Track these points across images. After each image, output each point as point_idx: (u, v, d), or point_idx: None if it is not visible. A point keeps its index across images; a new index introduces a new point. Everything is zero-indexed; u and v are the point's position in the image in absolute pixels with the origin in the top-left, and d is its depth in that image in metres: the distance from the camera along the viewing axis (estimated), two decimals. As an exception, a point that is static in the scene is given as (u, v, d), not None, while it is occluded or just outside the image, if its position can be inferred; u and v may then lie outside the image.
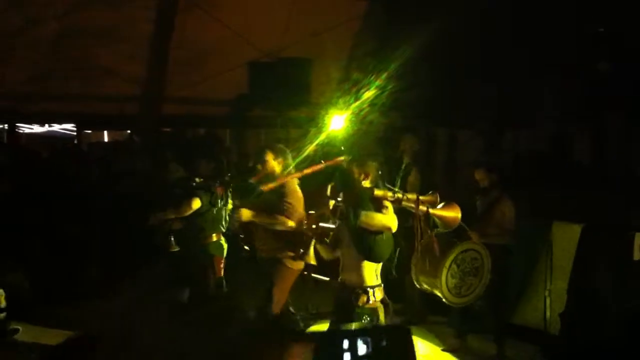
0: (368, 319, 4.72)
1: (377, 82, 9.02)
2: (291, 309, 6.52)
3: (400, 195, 4.81)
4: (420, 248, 6.04)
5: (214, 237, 6.74)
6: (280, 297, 5.94)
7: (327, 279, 7.66)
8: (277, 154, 6.08)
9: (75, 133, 11.08)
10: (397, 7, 10.67)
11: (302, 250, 5.21)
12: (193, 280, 6.76)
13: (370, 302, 4.74)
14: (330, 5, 10.55)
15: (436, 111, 9.50)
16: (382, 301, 4.85)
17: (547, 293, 7.02)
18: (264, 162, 6.05)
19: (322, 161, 5.96)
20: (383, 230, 4.66)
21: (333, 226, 5.20)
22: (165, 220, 6.79)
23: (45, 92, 9.92)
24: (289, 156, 6.17)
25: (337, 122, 8.07)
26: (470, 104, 9.14)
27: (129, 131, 11.48)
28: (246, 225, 6.05)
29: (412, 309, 7.64)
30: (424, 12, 9.41)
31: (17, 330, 7.07)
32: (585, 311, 6.52)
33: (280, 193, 5.86)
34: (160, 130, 11.01)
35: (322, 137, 7.97)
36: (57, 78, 9.88)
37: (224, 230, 6.81)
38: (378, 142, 9.45)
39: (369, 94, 8.93)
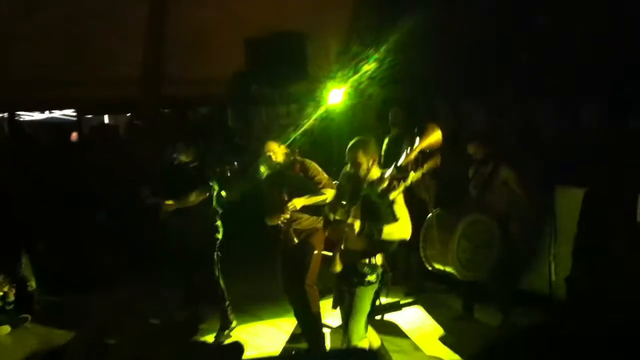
0: (369, 270, 4.84)
1: (376, 55, 8.93)
2: None
3: (408, 184, 4.82)
4: (424, 231, 6.11)
5: (218, 220, 6.80)
6: (316, 264, 6.03)
7: (331, 253, 7.63)
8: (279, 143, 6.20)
9: (75, 118, 11.06)
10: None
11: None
12: (203, 262, 6.80)
13: (372, 262, 4.85)
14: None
15: (437, 82, 9.40)
16: (382, 266, 4.94)
17: (551, 258, 6.99)
18: (273, 152, 6.13)
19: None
20: (401, 240, 4.81)
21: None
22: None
23: (45, 79, 9.89)
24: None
25: (336, 96, 8.01)
26: (473, 74, 9.01)
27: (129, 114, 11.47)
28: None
29: (408, 278, 7.66)
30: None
31: (26, 319, 7.14)
32: (591, 275, 6.47)
33: (307, 174, 6.04)
34: (161, 112, 10.97)
35: (320, 111, 7.93)
36: (56, 64, 9.86)
37: (219, 212, 6.86)
38: (377, 117, 9.38)
39: (368, 67, 8.84)
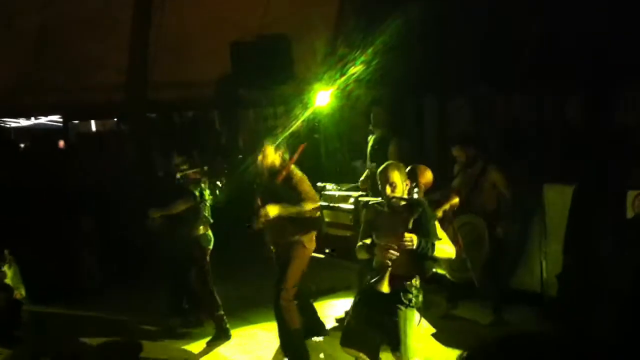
0: (416, 292, 4.69)
1: (363, 57, 8.94)
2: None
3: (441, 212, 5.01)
4: None
5: (202, 230, 6.72)
6: (296, 276, 5.91)
7: (323, 256, 7.65)
8: (278, 146, 6.00)
9: (62, 124, 10.97)
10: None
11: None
12: (187, 272, 6.78)
13: (414, 282, 4.71)
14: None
15: (424, 81, 9.40)
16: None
17: (542, 256, 7.00)
18: (264, 156, 5.97)
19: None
20: (448, 260, 4.76)
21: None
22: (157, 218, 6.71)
23: (29, 85, 9.83)
24: (285, 149, 6.08)
25: (323, 98, 8.02)
26: (459, 72, 9.03)
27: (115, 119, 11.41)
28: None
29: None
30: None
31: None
32: (582, 272, 6.49)
33: (292, 184, 5.86)
34: (147, 117, 10.92)
35: (308, 112, 7.93)
36: (42, 71, 9.80)
37: (211, 222, 6.81)
38: (365, 118, 9.37)
39: (355, 69, 8.85)
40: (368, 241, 4.73)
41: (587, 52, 7.73)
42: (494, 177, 6.65)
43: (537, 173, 7.45)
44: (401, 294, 4.64)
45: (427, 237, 4.54)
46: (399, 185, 4.70)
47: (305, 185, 5.91)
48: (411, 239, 4.45)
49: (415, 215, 4.56)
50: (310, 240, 6.00)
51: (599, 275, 6.30)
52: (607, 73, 7.67)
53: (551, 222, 6.93)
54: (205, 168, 6.86)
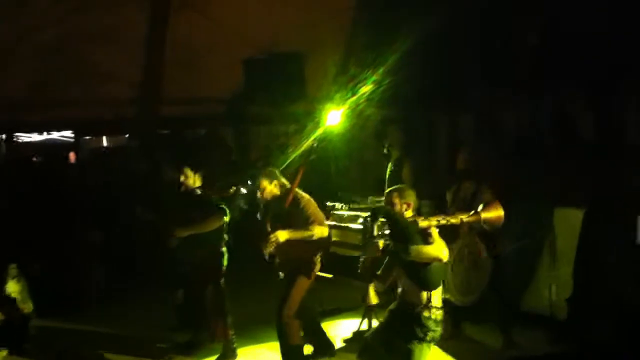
0: (434, 325, 4.68)
1: (374, 77, 8.96)
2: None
3: (444, 222, 4.75)
4: None
5: (224, 247, 6.76)
6: (300, 294, 5.96)
7: (331, 275, 7.62)
8: (271, 177, 6.14)
9: (73, 139, 11.05)
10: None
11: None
12: (201, 289, 6.78)
13: (432, 316, 4.69)
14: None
15: (433, 97, 9.41)
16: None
17: (552, 279, 6.95)
18: (262, 191, 6.10)
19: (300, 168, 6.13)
20: (434, 261, 4.64)
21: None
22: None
23: (43, 100, 9.90)
24: (280, 174, 6.23)
25: (334, 117, 8.01)
26: (465, 85, 9.03)
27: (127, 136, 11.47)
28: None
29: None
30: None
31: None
32: (592, 296, 6.45)
33: (299, 207, 5.95)
34: (158, 133, 10.97)
35: (319, 132, 7.92)
36: (53, 85, 9.87)
37: (227, 240, 6.81)
38: (375, 137, 9.39)
39: (366, 89, 8.87)
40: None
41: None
42: (485, 198, 6.59)
43: (546, 192, 7.39)
44: (417, 328, 4.66)
45: (404, 242, 4.56)
46: (398, 205, 4.88)
47: (312, 208, 6.02)
48: (374, 244, 4.66)
49: (377, 221, 4.73)
50: (318, 259, 6.08)
51: (609, 299, 6.26)
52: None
53: (561, 246, 6.91)
54: (219, 184, 6.88)
